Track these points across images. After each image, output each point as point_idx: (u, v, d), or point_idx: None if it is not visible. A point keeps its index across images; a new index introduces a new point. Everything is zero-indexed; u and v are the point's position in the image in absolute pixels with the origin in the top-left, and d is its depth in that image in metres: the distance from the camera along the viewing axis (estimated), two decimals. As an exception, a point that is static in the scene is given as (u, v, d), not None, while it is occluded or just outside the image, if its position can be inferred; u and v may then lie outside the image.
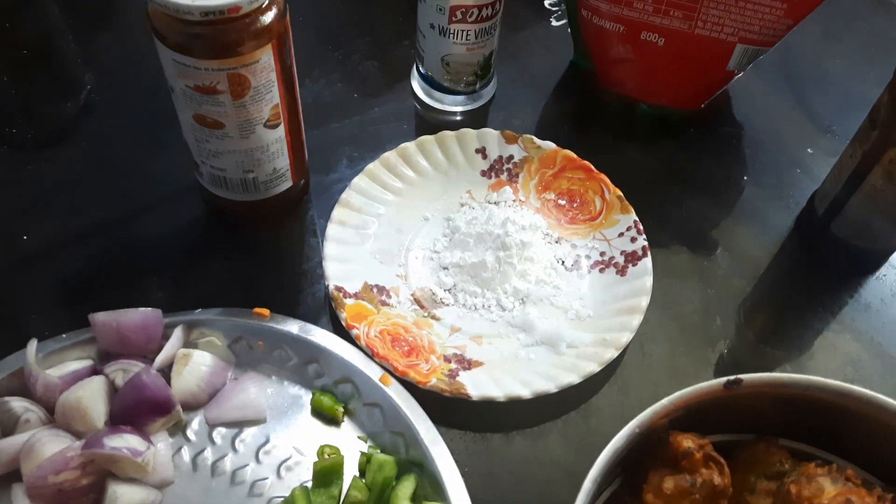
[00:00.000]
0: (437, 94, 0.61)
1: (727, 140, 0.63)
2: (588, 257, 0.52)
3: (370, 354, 0.45)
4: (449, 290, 0.50)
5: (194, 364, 0.44)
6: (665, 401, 0.34)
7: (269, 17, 0.42)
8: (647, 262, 0.50)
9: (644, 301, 0.48)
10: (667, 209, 0.57)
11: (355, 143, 0.59)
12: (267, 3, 0.42)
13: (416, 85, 0.62)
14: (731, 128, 0.64)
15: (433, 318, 0.49)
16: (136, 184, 0.56)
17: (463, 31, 0.55)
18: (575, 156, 0.55)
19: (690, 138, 0.62)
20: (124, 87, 0.61)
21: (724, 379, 0.35)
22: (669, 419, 0.35)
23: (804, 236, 0.56)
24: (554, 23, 0.70)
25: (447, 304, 0.50)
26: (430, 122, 0.62)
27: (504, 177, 0.56)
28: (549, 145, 0.56)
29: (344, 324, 0.46)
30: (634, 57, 0.58)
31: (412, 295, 0.50)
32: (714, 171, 0.60)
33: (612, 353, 0.45)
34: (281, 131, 0.48)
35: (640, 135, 0.62)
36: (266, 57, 0.43)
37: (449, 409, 0.44)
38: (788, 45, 0.59)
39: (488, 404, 0.44)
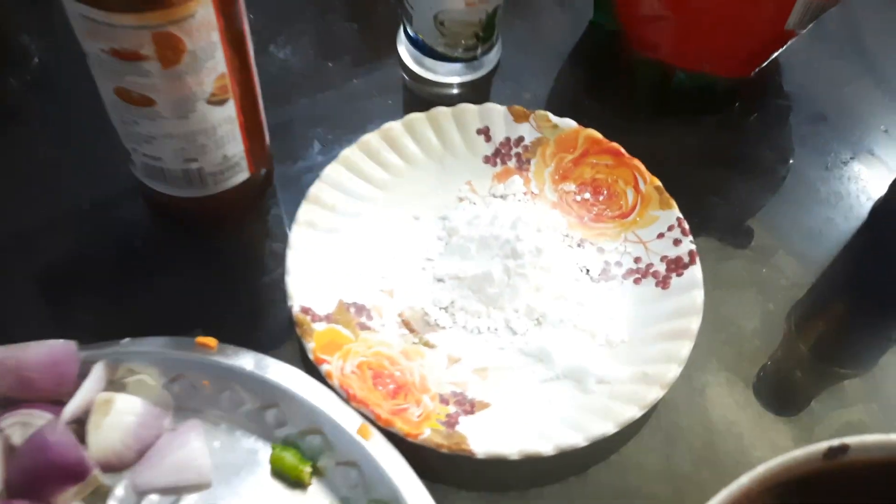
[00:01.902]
0: (430, 62, 0.53)
1: (781, 116, 0.55)
2: (619, 265, 0.45)
3: (345, 397, 0.37)
4: (445, 309, 0.43)
5: (118, 413, 0.37)
6: (745, 479, 0.26)
7: (205, -43, 0.34)
8: (696, 271, 0.42)
9: (694, 323, 0.40)
10: (710, 201, 0.49)
11: (329, 123, 0.51)
12: (203, -63, 0.33)
13: (404, 51, 0.54)
14: (785, 101, 0.56)
15: (426, 345, 0.41)
16: (66, 180, 0.48)
17: (461, -19, 0.47)
18: (600, 136, 0.47)
19: (737, 114, 0.55)
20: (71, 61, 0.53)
21: (822, 446, 0.27)
22: None
23: (881, 233, 0.48)
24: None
25: (443, 328, 0.42)
26: (420, 97, 0.54)
27: (512, 164, 0.48)
28: (569, 124, 0.48)
29: (312, 356, 0.38)
30: (672, 13, 0.50)
31: (399, 316, 0.42)
32: (766, 154, 0.53)
33: (656, 394, 0.38)
34: (231, 109, 0.40)
35: (675, 109, 0.54)
36: (204, 10, 0.35)
37: (447, 464, 0.37)
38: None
39: (498, 460, 0.36)
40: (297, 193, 0.47)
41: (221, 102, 0.39)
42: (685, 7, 0.49)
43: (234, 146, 0.42)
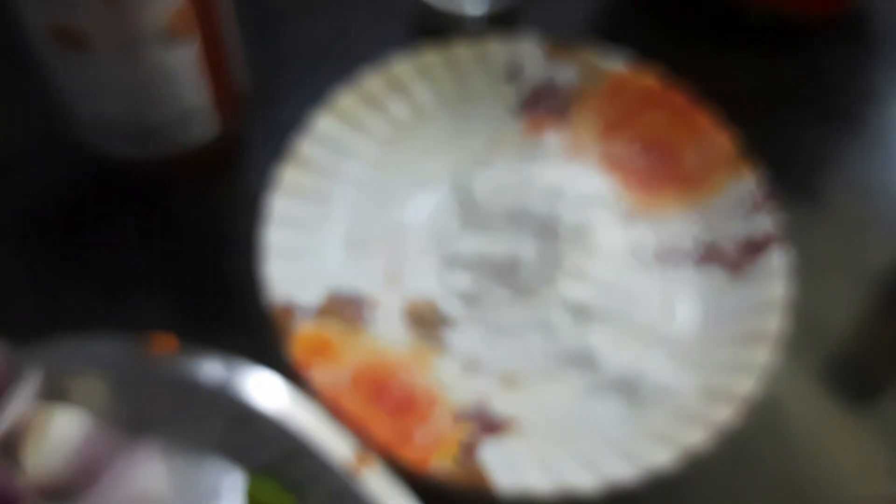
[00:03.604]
0: (446, -15, 0.47)
1: (874, 56, 0.48)
2: (679, 245, 0.39)
3: (336, 417, 0.32)
4: (462, 300, 0.37)
5: (58, 430, 0.32)
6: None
7: None
8: (777, 255, 0.36)
9: (774, 322, 0.35)
10: (790, 162, 0.43)
11: (320, 60, 0.46)
12: None
13: (414, -30, 0.48)
14: (879, 39, 0.50)
15: (439, 345, 0.36)
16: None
17: None
18: (660, 83, 0.41)
19: (822, 53, 0.48)
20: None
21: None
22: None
23: None
24: None
25: (459, 323, 0.37)
26: (434, 30, 0.47)
27: (548, 114, 0.42)
28: (621, 66, 0.41)
29: (294, 363, 0.33)
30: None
31: (404, 307, 0.37)
32: (856, 102, 0.47)
33: (726, 413, 0.32)
34: (191, 50, 0.34)
35: (748, 47, 0.48)
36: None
37: (462, 499, 0.32)
38: None
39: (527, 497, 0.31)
40: (279, 148, 0.42)
41: (179, 42, 0.34)
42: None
43: (197, 95, 0.37)
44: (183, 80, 0.35)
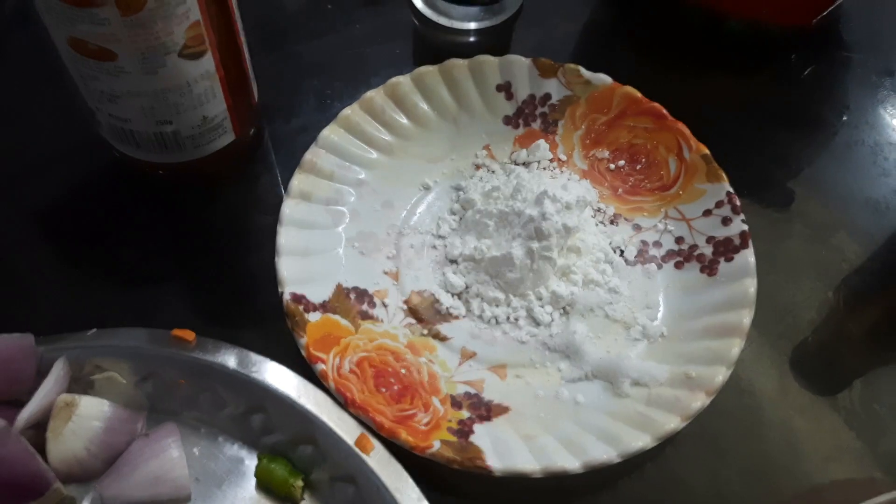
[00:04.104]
0: (443, 5, 0.48)
1: (843, 70, 0.50)
2: (659, 245, 0.40)
3: (343, 402, 0.33)
4: (459, 296, 0.39)
5: (82, 417, 0.33)
6: None
7: None
8: (749, 256, 0.38)
9: (746, 318, 0.36)
10: (761, 169, 0.45)
11: (327, 74, 0.47)
12: None
13: (413, -9, 0.49)
14: (847, 52, 0.51)
15: (437, 337, 0.37)
16: (21, 134, 0.43)
17: None
18: (640, 95, 0.42)
19: (793, 67, 0.49)
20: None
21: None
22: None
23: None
24: None
25: (457, 317, 0.38)
26: (432, 45, 0.49)
27: (537, 125, 0.44)
28: (603, 79, 0.43)
29: (305, 353, 0.35)
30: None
31: (406, 303, 0.38)
32: (826, 113, 0.48)
33: (701, 401, 0.34)
34: (209, 62, 0.36)
35: (724, 62, 0.49)
36: (170, -54, 0.30)
37: (459, 480, 0.33)
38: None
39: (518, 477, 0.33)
40: (291, 157, 0.43)
41: (197, 55, 0.35)
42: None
43: (215, 105, 0.38)
44: (201, 90, 0.36)
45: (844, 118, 0.48)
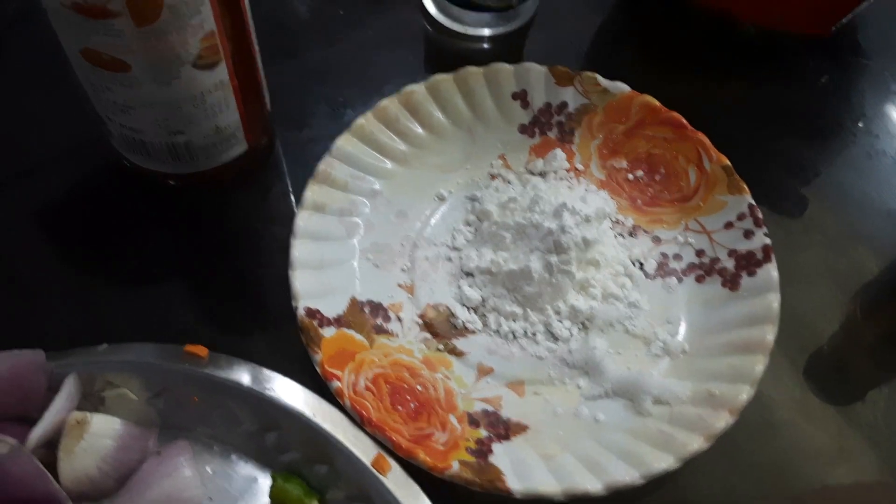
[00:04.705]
0: (456, 10, 0.47)
1: (860, 77, 0.49)
2: (679, 258, 0.39)
3: (359, 421, 0.32)
4: (475, 310, 0.37)
5: (93, 435, 0.32)
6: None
7: None
8: (772, 270, 0.37)
9: (769, 334, 0.35)
10: (779, 178, 0.44)
11: (340, 81, 0.46)
12: None
13: (427, -4, 0.48)
14: (864, 59, 0.50)
15: (453, 352, 0.36)
16: (26, 137, 0.42)
17: (497, -85, 0.40)
18: (659, 104, 0.41)
19: (810, 74, 0.48)
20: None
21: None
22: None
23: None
24: None
25: (473, 332, 0.37)
26: (445, 50, 0.48)
27: (553, 134, 0.42)
28: (621, 88, 0.42)
29: (319, 370, 0.33)
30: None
31: (421, 317, 0.37)
32: (843, 121, 0.47)
33: (724, 421, 0.33)
34: (223, 73, 0.34)
35: (740, 68, 0.48)
36: (185, -44, 0.29)
37: (477, 500, 0.32)
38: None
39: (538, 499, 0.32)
40: (304, 165, 0.42)
41: (211, 65, 0.34)
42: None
43: (228, 115, 0.37)
44: (214, 100, 0.35)
45: (861, 125, 0.47)
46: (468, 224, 0.40)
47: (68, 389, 0.33)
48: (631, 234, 0.40)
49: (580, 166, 0.42)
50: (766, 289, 0.36)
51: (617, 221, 0.40)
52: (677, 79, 0.47)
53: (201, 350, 0.34)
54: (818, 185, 0.44)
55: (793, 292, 0.39)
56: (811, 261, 0.41)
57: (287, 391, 0.33)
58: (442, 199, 0.41)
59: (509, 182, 0.41)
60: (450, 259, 0.39)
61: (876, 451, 0.36)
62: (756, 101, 0.47)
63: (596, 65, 0.44)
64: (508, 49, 0.48)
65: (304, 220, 0.38)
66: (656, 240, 0.40)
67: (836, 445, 0.36)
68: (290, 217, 0.40)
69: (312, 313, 0.35)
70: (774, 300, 0.36)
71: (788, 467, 0.35)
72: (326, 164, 0.39)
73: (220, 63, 0.34)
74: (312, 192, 0.38)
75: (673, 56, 0.48)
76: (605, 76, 0.42)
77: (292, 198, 0.42)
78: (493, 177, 0.42)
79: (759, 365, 0.34)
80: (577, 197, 0.39)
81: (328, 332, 0.35)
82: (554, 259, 0.36)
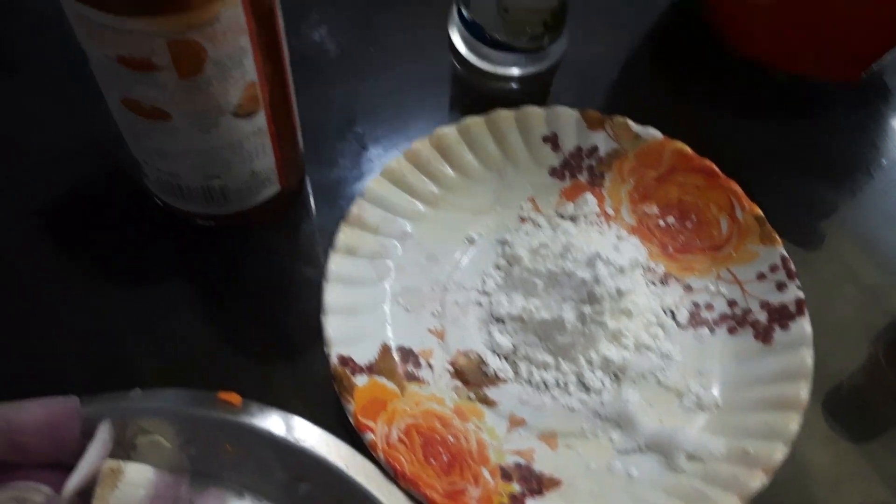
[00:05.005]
0: (486, 50, 0.46)
1: (893, 121, 0.48)
2: (711, 308, 0.39)
3: (392, 475, 0.32)
4: (506, 358, 0.37)
5: (127, 484, 0.32)
6: None
7: (235, -54, 0.27)
8: (805, 325, 0.36)
9: (804, 390, 0.35)
10: (810, 225, 0.43)
11: (369, 119, 0.46)
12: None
13: (457, 35, 0.48)
14: None
15: (484, 401, 0.36)
16: (49, 167, 0.42)
17: (534, -38, 0.40)
18: (691, 151, 0.41)
19: (840, 118, 0.48)
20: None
21: None
22: None
23: None
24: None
25: (504, 380, 0.37)
26: (473, 90, 0.48)
27: (584, 178, 0.42)
28: (653, 134, 0.41)
29: (353, 421, 0.33)
30: (781, 3, 0.43)
31: (452, 363, 0.37)
32: (877, 167, 0.46)
33: (760, 480, 0.32)
34: (261, 120, 0.34)
35: (769, 111, 0.48)
36: (231, 12, 0.29)
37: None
38: None
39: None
40: (333, 205, 0.42)
41: (250, 114, 0.34)
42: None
43: (264, 160, 0.37)
44: (252, 146, 0.35)
45: (891, 171, 0.47)
46: (498, 268, 0.40)
47: (102, 437, 0.33)
48: (662, 282, 0.40)
49: (611, 211, 0.42)
50: (800, 343, 0.36)
51: (648, 268, 0.40)
52: (705, 119, 0.47)
53: (235, 398, 0.34)
54: (851, 232, 0.44)
55: (825, 345, 0.38)
56: (844, 313, 0.41)
57: (320, 442, 0.33)
58: (472, 241, 0.41)
59: (539, 226, 0.41)
60: (480, 304, 0.39)
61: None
62: (786, 144, 0.47)
63: (623, 104, 0.44)
64: (536, 89, 0.48)
65: (336, 263, 0.37)
66: (688, 288, 0.39)
67: (858, 483, 0.35)
68: (318, 256, 0.40)
69: (345, 361, 0.35)
70: (808, 356, 0.36)
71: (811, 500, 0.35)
72: (358, 207, 0.39)
73: (259, 111, 0.34)
74: (345, 234, 0.38)
75: (700, 97, 0.48)
76: (632, 117, 0.42)
77: (321, 237, 0.41)
78: (522, 220, 0.42)
79: (793, 423, 0.34)
80: (609, 245, 0.39)
81: (360, 381, 0.35)
82: (587, 309, 0.36)
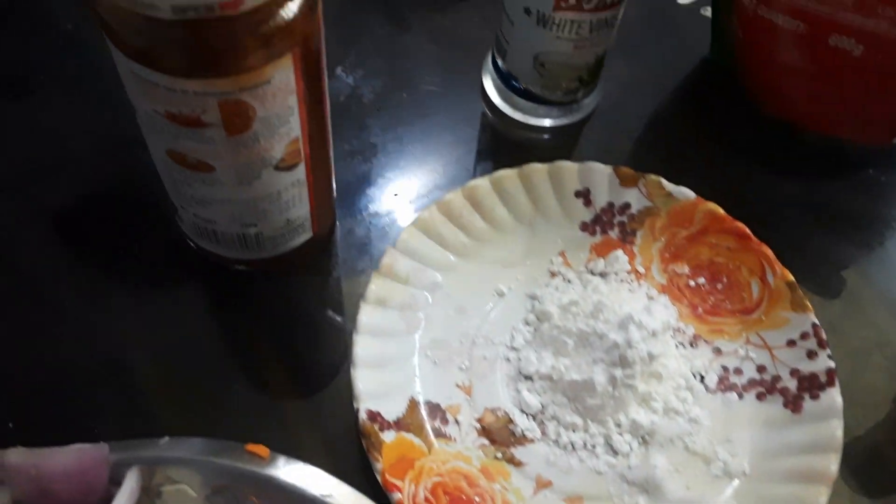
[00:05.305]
0: (518, 100, 0.47)
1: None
2: (740, 373, 0.38)
3: (419, 535, 0.32)
4: (534, 417, 0.37)
5: (154, 534, 0.31)
6: None
7: (290, 12, 0.27)
8: (836, 396, 0.36)
9: (833, 463, 0.34)
10: (840, 289, 0.43)
11: (400, 167, 0.46)
12: (287, -14, 0.27)
13: (490, 83, 0.48)
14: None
15: (511, 461, 0.36)
16: (81, 203, 0.42)
17: (574, 22, 0.40)
18: (723, 213, 0.41)
19: (871, 179, 0.48)
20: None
21: None
22: None
23: None
24: (681, 0, 0.54)
25: (531, 440, 0.36)
26: (503, 137, 0.48)
27: (615, 234, 0.42)
28: (686, 194, 0.41)
29: (381, 479, 0.33)
30: (814, 69, 0.43)
31: (479, 421, 0.37)
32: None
33: (789, 555, 0.32)
34: (300, 172, 0.34)
35: (800, 171, 0.47)
36: (283, 74, 0.29)
37: None
38: None
39: None
40: (362, 251, 0.42)
41: (291, 167, 0.34)
42: (833, 64, 0.42)
43: (300, 209, 0.37)
44: (289, 197, 0.35)
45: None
46: (527, 323, 0.40)
47: (130, 485, 0.32)
48: (692, 344, 0.39)
49: (641, 268, 0.42)
50: (830, 415, 0.36)
51: (678, 329, 0.40)
52: (734, 177, 0.47)
53: (263, 450, 0.33)
54: (879, 293, 0.44)
55: (854, 414, 0.38)
56: (874, 383, 0.40)
57: (347, 499, 0.33)
58: (501, 294, 0.41)
59: (569, 281, 0.41)
60: (508, 360, 0.39)
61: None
62: (818, 204, 0.46)
63: (653, 158, 0.44)
64: (566, 139, 0.48)
65: (367, 314, 0.37)
66: (717, 351, 0.39)
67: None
68: (345, 304, 0.40)
69: (374, 416, 0.35)
70: (838, 427, 0.35)
71: None
72: (390, 257, 0.39)
73: (300, 164, 0.34)
74: (376, 285, 0.38)
75: (734, 155, 0.48)
76: (662, 171, 0.42)
77: (348, 283, 0.41)
78: (553, 274, 0.41)
79: (822, 497, 0.33)
80: (640, 306, 0.38)
81: (388, 437, 0.35)
82: (618, 373, 0.36)
